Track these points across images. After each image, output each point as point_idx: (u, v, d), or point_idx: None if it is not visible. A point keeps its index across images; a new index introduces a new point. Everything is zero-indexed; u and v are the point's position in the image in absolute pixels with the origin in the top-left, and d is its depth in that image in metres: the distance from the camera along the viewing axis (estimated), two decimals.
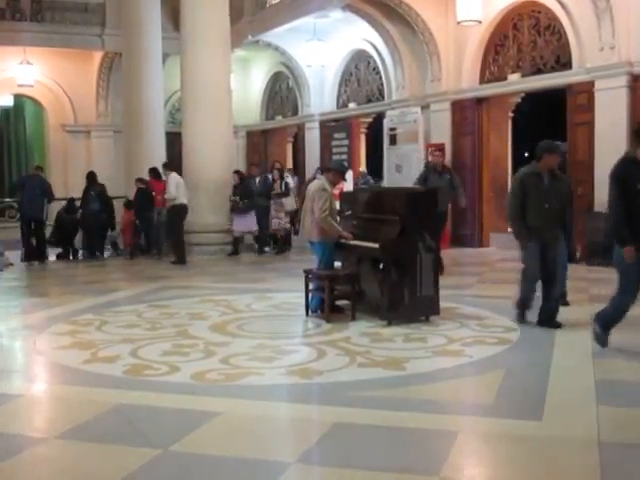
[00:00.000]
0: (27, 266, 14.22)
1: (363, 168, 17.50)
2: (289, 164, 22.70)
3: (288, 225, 15.44)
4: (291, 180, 16.12)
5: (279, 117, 23.07)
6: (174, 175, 14.08)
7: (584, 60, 12.73)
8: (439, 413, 5.01)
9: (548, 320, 7.39)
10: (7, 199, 22.08)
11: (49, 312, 9.01)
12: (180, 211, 13.96)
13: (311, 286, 8.40)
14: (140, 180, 15.31)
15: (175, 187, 13.83)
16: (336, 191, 9.24)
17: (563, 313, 7.64)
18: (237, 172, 15.45)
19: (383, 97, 18.00)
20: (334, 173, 8.62)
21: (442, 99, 15.79)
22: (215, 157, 15.23)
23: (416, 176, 15.22)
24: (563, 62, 13.58)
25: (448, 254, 13.14)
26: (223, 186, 15.16)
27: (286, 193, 15.23)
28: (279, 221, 15.19)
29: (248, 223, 15.03)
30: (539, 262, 7.28)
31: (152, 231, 15.17)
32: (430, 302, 7.87)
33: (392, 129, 16.13)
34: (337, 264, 8.83)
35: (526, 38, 14.41)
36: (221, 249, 15.10)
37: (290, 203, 15.33)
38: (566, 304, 8.25)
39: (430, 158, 11.89)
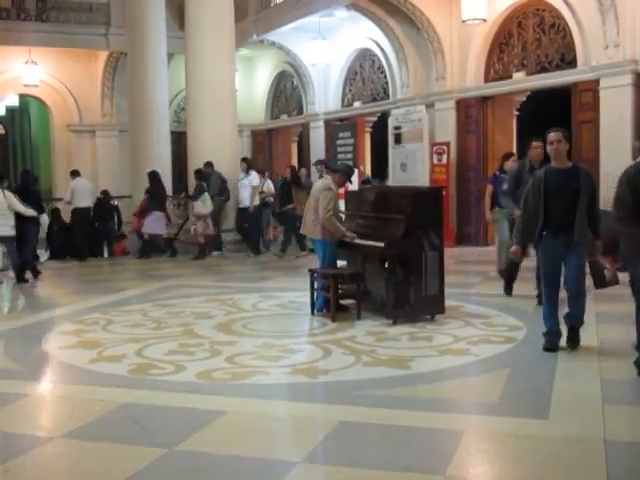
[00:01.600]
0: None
1: (362, 167, 17.35)
2: (294, 163, 22.68)
3: (200, 229, 14.63)
4: (255, 179, 15.33)
5: (284, 116, 23.07)
6: (75, 180, 15.05)
7: (589, 58, 12.71)
8: (445, 412, 5.02)
9: None
10: None
11: (55, 311, 9.04)
12: (74, 215, 14.96)
13: (316, 285, 8.41)
14: (103, 192, 16.45)
15: (70, 193, 14.94)
16: (341, 190, 9.23)
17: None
18: (151, 174, 15.39)
19: (388, 96, 17.99)
20: (341, 175, 8.59)
21: (447, 98, 15.77)
22: (220, 156, 15.23)
23: (420, 173, 15.39)
24: (568, 60, 13.55)
25: (453, 252, 13.14)
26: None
27: (193, 196, 14.74)
28: (193, 226, 14.69)
29: (153, 225, 14.92)
30: None
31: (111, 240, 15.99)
32: (435, 301, 7.87)
33: (397, 128, 16.10)
34: (342, 263, 8.84)
35: (531, 36, 14.39)
36: (227, 248, 15.13)
37: (201, 206, 14.60)
38: None
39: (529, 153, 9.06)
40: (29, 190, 12.65)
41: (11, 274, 12.07)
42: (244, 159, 15.67)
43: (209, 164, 15.00)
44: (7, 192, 11.55)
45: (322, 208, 8.19)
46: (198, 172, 14.92)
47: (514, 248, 6.69)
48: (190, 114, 16.05)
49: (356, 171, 15.71)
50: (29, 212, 11.70)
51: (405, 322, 7.66)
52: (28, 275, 11.99)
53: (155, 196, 14.96)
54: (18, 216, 11.50)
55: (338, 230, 8.29)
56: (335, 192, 8.35)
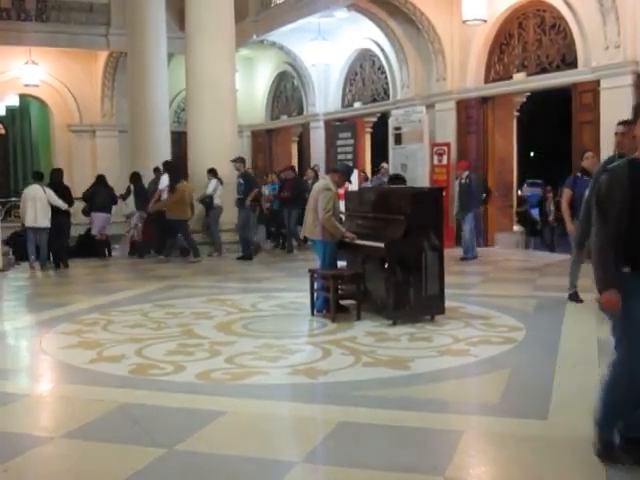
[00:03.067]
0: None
1: (387, 165, 16.89)
2: (294, 163, 22.68)
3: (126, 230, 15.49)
4: (164, 182, 15.22)
5: (284, 116, 23.08)
6: None
7: (589, 59, 12.71)
8: (444, 412, 5.02)
9: None
10: (13, 198, 22.12)
11: (55, 312, 9.02)
12: None
13: (316, 285, 8.41)
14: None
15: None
16: (340, 191, 9.23)
17: (570, 315, 7.61)
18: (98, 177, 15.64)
19: (388, 96, 18.00)
20: (340, 175, 8.60)
21: (447, 98, 15.78)
22: (220, 157, 15.22)
23: (420, 174, 15.38)
24: (568, 61, 13.55)
25: (453, 253, 13.13)
26: (228, 185, 15.18)
27: (121, 198, 15.41)
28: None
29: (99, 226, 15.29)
30: None
31: None
32: (435, 301, 7.87)
33: (397, 128, 16.12)
34: (342, 264, 8.84)
35: (531, 37, 14.39)
36: (227, 248, 15.13)
37: (124, 208, 15.49)
38: None
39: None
40: (62, 186, 13.82)
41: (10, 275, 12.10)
42: (164, 163, 15.66)
43: (157, 169, 15.54)
44: (47, 189, 13.08)
45: (321, 208, 8.19)
46: (132, 175, 15.57)
47: (607, 296, 3.77)
48: (190, 114, 16.05)
49: (355, 172, 15.73)
50: (65, 206, 13.22)
51: (405, 323, 7.65)
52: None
53: (93, 198, 15.14)
54: (53, 210, 12.97)
55: (338, 230, 8.29)
56: (334, 192, 8.35)
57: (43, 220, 12.89)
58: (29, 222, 12.92)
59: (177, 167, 14.95)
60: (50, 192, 13.02)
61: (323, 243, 8.40)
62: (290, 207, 15.18)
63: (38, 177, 13.65)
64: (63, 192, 13.54)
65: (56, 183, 13.76)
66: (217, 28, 15.40)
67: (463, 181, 13.39)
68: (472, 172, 13.72)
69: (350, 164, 13.63)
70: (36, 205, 12.84)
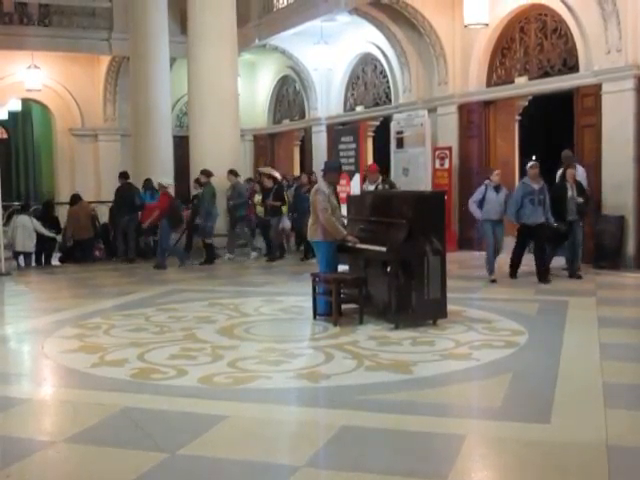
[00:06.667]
0: (35, 268, 14.44)
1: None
2: (296, 168, 22.69)
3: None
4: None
5: (286, 121, 23.08)
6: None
7: (591, 63, 12.70)
8: (447, 416, 5.02)
9: None
10: (16, 202, 22.14)
11: (57, 316, 9.03)
12: None
13: (318, 289, 8.40)
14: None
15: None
16: (343, 195, 9.26)
17: (572, 319, 7.60)
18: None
19: (390, 100, 18.00)
20: (328, 172, 8.72)
21: (449, 102, 15.77)
22: (222, 161, 15.24)
23: (422, 178, 15.36)
24: (570, 65, 13.55)
25: (455, 257, 13.13)
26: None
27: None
28: None
29: None
30: None
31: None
32: (437, 305, 7.86)
33: (399, 132, 16.13)
34: (345, 267, 8.84)
35: (533, 41, 14.39)
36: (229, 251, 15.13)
37: None
38: None
39: None
40: (50, 216, 15.76)
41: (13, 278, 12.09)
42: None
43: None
44: (33, 219, 14.83)
45: (319, 209, 8.25)
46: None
47: None
48: (192, 118, 16.08)
49: (357, 175, 15.75)
50: (50, 234, 15.06)
51: (407, 326, 7.65)
52: None
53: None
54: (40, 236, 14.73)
55: (338, 230, 8.30)
56: (328, 192, 8.39)
57: (29, 245, 14.75)
58: (18, 247, 14.68)
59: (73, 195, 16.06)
60: (36, 222, 14.81)
61: (323, 244, 8.41)
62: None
63: (25, 209, 15.63)
64: (52, 222, 15.55)
65: (47, 214, 15.77)
66: (219, 32, 15.44)
67: (380, 187, 12.23)
68: (386, 178, 13.27)
69: (352, 168, 13.64)
70: (24, 233, 14.57)
